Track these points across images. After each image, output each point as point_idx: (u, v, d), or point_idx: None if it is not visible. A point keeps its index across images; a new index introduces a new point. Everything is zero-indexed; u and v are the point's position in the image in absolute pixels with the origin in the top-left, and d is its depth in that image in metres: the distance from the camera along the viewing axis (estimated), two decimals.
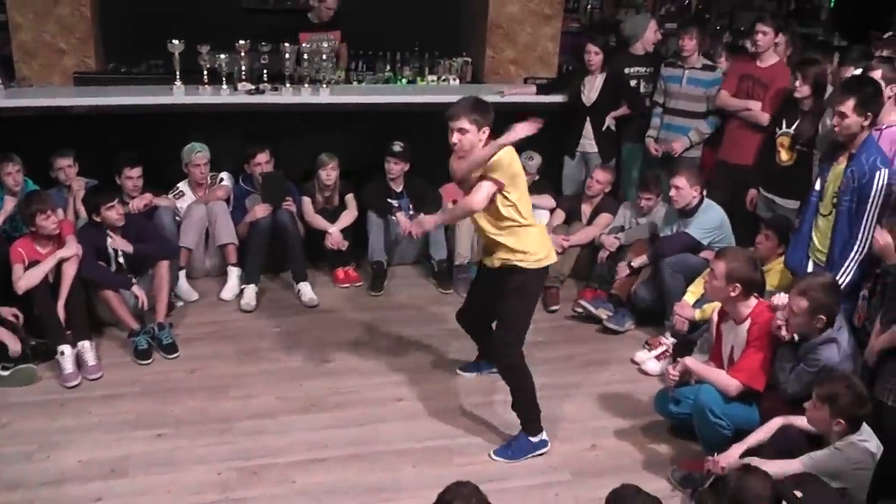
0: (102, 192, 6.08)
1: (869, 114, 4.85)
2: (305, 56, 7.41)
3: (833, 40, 10.18)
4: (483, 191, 4.45)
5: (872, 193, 4.80)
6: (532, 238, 4.68)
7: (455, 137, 4.47)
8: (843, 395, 3.91)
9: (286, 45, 7.19)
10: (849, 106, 4.84)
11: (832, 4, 11.53)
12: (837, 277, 4.79)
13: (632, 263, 6.49)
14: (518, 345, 4.75)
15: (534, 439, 4.82)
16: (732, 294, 4.61)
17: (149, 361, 5.65)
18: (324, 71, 7.51)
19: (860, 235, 4.85)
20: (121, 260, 6.00)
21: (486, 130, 4.47)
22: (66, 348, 5.41)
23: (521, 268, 4.64)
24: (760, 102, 6.57)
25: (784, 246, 5.67)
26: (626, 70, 7.51)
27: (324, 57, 7.49)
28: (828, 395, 3.95)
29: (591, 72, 7.27)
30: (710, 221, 6.20)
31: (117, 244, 5.89)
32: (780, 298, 4.71)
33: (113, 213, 5.88)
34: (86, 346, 5.49)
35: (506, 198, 4.52)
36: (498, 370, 4.89)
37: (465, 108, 4.45)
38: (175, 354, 5.74)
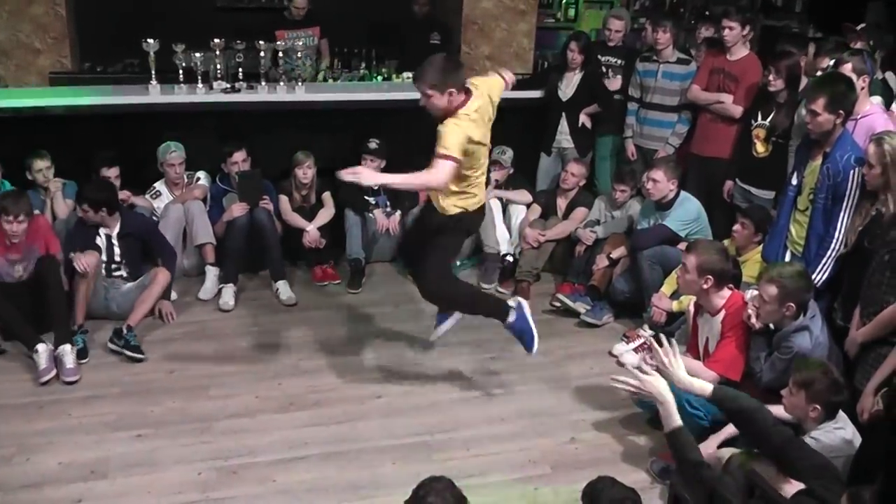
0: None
1: (841, 111, 4.88)
2: (281, 54, 7.40)
3: (808, 32, 10.22)
4: (444, 171, 4.55)
5: (847, 191, 4.84)
6: (480, 187, 5.01)
7: (422, 101, 4.69)
8: (819, 381, 3.95)
9: (261, 42, 7.19)
10: (820, 104, 4.88)
11: None
12: (814, 275, 4.84)
13: (611, 255, 6.52)
14: (451, 272, 5.25)
15: (511, 318, 5.16)
16: (705, 286, 4.66)
17: (84, 361, 5.60)
18: (300, 68, 7.56)
19: (836, 233, 4.90)
20: (116, 251, 6.06)
21: (452, 91, 4.60)
22: (40, 346, 5.41)
23: (469, 211, 4.94)
24: (732, 95, 6.61)
25: (761, 235, 5.73)
26: (600, 57, 7.57)
27: (298, 54, 7.54)
28: (804, 381, 3.98)
29: (570, 69, 7.31)
30: (688, 214, 6.24)
31: (82, 263, 5.79)
32: (753, 293, 4.75)
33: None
34: (66, 349, 5.45)
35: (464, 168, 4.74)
36: (436, 302, 5.20)
37: (423, 74, 4.64)
38: (142, 356, 5.68)
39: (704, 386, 3.89)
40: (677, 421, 3.81)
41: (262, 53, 7.21)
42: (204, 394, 5.31)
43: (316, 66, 8.47)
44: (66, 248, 5.93)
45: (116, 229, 6.06)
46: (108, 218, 5.99)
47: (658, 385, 3.89)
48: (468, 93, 4.71)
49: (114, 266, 6.12)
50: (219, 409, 5.14)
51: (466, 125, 4.63)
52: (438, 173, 4.53)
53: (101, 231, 6.03)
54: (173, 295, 6.53)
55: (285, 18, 8.38)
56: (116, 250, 6.08)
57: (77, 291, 5.83)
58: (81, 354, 5.62)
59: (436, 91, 4.57)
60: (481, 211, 5.12)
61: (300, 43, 7.88)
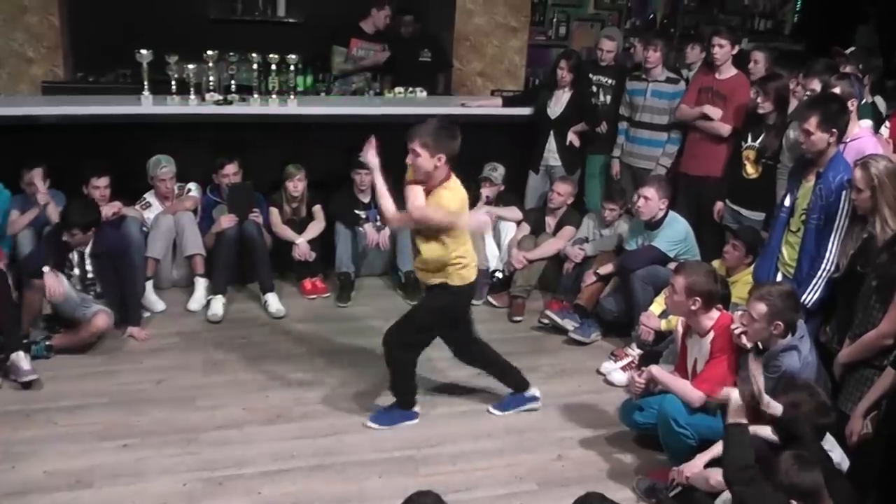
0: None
1: (834, 130, 4.91)
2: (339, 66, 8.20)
3: (803, 52, 10.29)
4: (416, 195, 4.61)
5: (839, 212, 4.87)
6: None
7: (409, 157, 4.62)
8: (805, 403, 3.95)
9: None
10: (812, 123, 4.91)
11: (796, 19, 11.68)
12: (805, 295, 4.87)
13: (598, 271, 6.54)
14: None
15: (406, 411, 5.23)
16: (693, 308, 4.66)
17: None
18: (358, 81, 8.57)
19: (827, 254, 4.92)
20: (88, 269, 5.98)
21: (441, 158, 4.57)
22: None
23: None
24: (717, 109, 6.66)
25: (752, 257, 5.75)
26: (590, 76, 7.60)
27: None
28: (791, 403, 3.99)
29: (560, 87, 7.34)
30: (676, 234, 6.26)
31: (53, 291, 5.70)
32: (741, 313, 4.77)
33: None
34: (19, 355, 5.42)
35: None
36: (388, 357, 5.14)
37: (420, 131, 4.58)
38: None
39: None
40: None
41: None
42: (191, 405, 5.30)
43: (369, 81, 8.83)
44: (35, 257, 5.88)
45: (89, 247, 5.97)
46: (89, 236, 5.95)
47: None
48: (450, 171, 4.73)
49: (87, 282, 6.03)
50: (205, 421, 5.13)
51: (458, 191, 4.74)
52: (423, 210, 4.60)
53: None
54: (161, 305, 6.58)
55: (361, 30, 8.71)
56: (88, 267, 6.00)
57: (30, 304, 5.76)
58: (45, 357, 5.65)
59: (426, 151, 4.55)
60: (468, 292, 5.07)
61: (361, 53, 8.65)
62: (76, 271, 5.98)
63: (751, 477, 3.62)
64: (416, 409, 5.25)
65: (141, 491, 4.47)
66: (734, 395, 4.06)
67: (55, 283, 5.69)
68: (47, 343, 5.71)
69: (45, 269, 5.69)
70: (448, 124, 4.67)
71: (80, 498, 4.40)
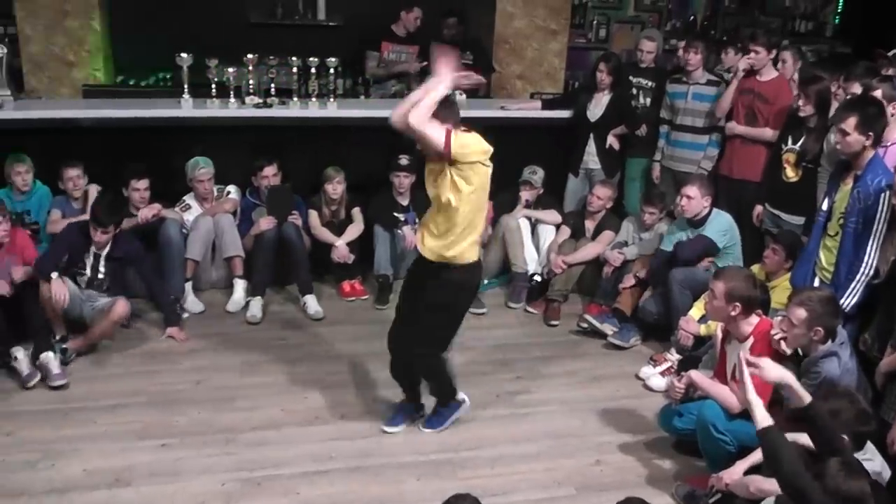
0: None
1: (870, 133, 4.85)
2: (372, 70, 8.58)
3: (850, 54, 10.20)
4: (430, 126, 4.34)
5: (878, 215, 4.80)
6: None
7: (418, 144, 4.55)
8: (846, 410, 3.88)
9: (293, 58, 7.26)
10: (850, 123, 4.85)
11: (837, 20, 11.60)
12: (843, 299, 4.81)
13: (637, 274, 6.51)
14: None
15: (452, 404, 5.17)
16: (733, 313, 4.62)
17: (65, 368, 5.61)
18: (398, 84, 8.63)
19: (865, 258, 4.86)
20: (101, 270, 5.98)
21: (449, 129, 4.37)
22: (19, 353, 5.47)
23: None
24: (770, 129, 6.58)
25: (791, 261, 5.69)
26: (630, 79, 7.57)
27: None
28: (831, 411, 3.93)
29: (599, 90, 7.31)
30: (721, 225, 6.23)
31: (59, 294, 5.62)
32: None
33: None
34: (49, 356, 5.48)
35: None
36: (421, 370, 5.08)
37: None
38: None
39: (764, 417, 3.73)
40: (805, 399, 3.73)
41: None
42: (229, 405, 5.33)
43: (408, 84, 8.71)
44: (47, 259, 5.80)
45: (106, 250, 5.97)
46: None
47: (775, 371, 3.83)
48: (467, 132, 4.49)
49: (95, 283, 6.02)
50: (244, 421, 5.16)
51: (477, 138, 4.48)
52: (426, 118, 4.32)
53: (92, 249, 5.95)
54: (200, 306, 6.64)
55: (393, 33, 8.75)
56: (102, 269, 5.99)
57: (48, 306, 5.70)
58: (63, 363, 5.63)
59: None
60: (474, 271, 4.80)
61: (393, 57, 8.72)
62: (87, 272, 5.99)
63: (806, 483, 3.51)
64: (461, 395, 5.19)
65: (179, 490, 4.50)
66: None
67: (61, 290, 5.64)
68: (63, 346, 5.71)
69: (54, 275, 5.66)
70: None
71: (119, 496, 4.43)
